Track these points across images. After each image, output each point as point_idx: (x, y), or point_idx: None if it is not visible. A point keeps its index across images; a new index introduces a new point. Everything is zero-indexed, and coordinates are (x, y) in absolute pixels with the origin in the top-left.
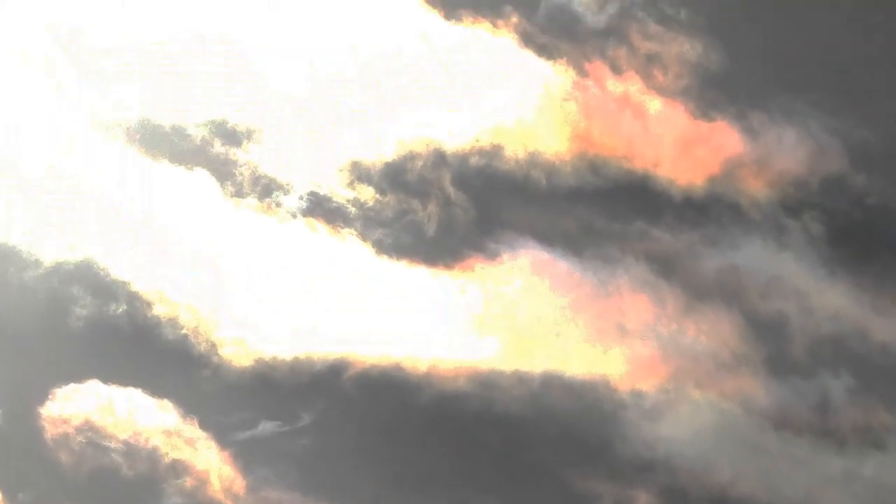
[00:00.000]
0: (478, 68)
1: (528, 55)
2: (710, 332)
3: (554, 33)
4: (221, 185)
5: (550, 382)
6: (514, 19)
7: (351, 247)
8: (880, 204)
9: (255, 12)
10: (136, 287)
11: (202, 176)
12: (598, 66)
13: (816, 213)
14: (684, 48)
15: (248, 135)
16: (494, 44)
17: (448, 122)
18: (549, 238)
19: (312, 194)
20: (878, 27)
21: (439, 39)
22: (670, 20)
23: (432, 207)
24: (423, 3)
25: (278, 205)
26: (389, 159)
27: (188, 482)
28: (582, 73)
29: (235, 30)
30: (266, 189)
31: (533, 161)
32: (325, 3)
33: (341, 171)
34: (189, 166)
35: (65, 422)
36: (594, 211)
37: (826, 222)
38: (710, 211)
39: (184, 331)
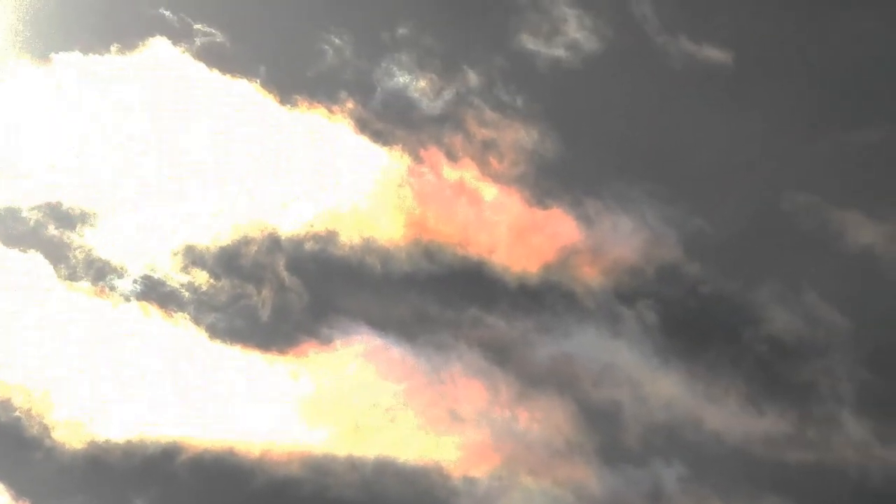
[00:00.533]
0: (313, 154)
1: (364, 141)
2: (544, 420)
3: (389, 119)
4: (55, 268)
5: (384, 469)
6: (350, 105)
7: (184, 331)
8: (714, 293)
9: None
10: None
11: (36, 258)
12: (434, 153)
13: (651, 302)
14: (520, 135)
15: (83, 218)
16: (330, 129)
17: (283, 207)
18: (382, 324)
19: (146, 278)
20: (713, 117)
21: (275, 125)
22: (506, 107)
23: (266, 292)
24: (259, 88)
25: (112, 288)
26: (224, 244)
27: None
28: (417, 159)
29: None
30: (100, 272)
31: (368, 247)
32: (160, 86)
33: (175, 254)
34: (23, 248)
35: None
36: (428, 297)
37: (660, 311)
38: (544, 299)
39: (16, 413)
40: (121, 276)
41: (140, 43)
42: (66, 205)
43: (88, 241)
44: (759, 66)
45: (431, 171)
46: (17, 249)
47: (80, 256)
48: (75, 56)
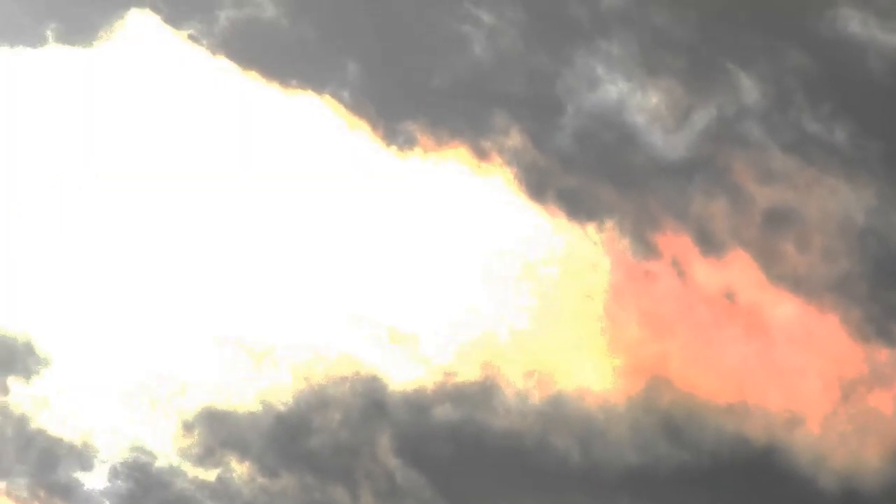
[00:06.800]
0: (439, 230)
1: (532, 210)
2: None
3: (583, 168)
4: None
5: None
6: (513, 141)
7: None
8: None
9: None
10: None
11: None
12: (675, 237)
13: None
14: (842, 200)
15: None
16: (474, 183)
17: (390, 336)
18: None
19: (133, 468)
20: None
21: (369, 170)
22: (817, 145)
23: (365, 498)
24: (330, 101)
25: (68, 492)
26: (276, 404)
27: None
28: (643, 247)
29: None
30: (46, 459)
31: (551, 415)
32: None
33: (181, 423)
34: None
35: None
36: None
37: None
38: None
39: None
40: (86, 464)
41: (115, 19)
42: None
43: (15, 399)
44: None
45: (672, 272)
46: None
47: (6, 429)
48: None
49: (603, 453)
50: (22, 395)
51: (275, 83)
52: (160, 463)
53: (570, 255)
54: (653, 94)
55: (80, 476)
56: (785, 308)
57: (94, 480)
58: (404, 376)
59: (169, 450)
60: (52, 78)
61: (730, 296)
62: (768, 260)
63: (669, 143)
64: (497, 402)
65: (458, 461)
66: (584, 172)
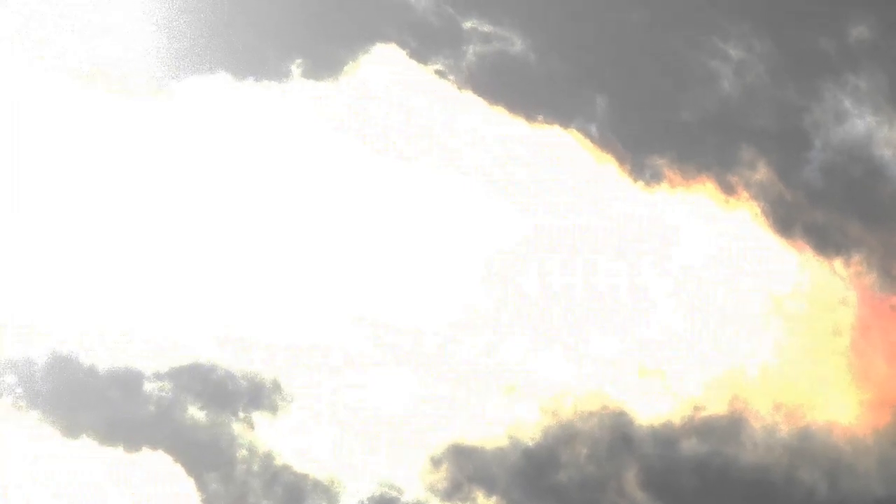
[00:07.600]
0: (683, 263)
1: (769, 238)
2: None
3: (828, 201)
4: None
5: None
6: (760, 174)
7: None
8: None
9: None
10: None
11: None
12: None
13: None
14: None
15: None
16: (718, 220)
17: (638, 370)
18: None
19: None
20: None
21: (617, 208)
22: None
23: None
24: (590, 146)
25: None
26: (523, 439)
27: None
28: (889, 279)
29: None
30: (292, 497)
31: (801, 448)
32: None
33: (429, 459)
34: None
35: None
36: None
37: None
38: None
39: None
40: (332, 499)
41: (361, 53)
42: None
43: (262, 435)
44: None
45: None
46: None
47: (252, 465)
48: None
49: (850, 486)
50: (268, 432)
51: (521, 117)
52: (407, 498)
53: (818, 290)
54: None
55: None
56: None
57: None
58: (652, 411)
59: (416, 485)
60: (297, 111)
61: None
62: None
63: None
64: (744, 435)
65: (704, 494)
66: (831, 207)
